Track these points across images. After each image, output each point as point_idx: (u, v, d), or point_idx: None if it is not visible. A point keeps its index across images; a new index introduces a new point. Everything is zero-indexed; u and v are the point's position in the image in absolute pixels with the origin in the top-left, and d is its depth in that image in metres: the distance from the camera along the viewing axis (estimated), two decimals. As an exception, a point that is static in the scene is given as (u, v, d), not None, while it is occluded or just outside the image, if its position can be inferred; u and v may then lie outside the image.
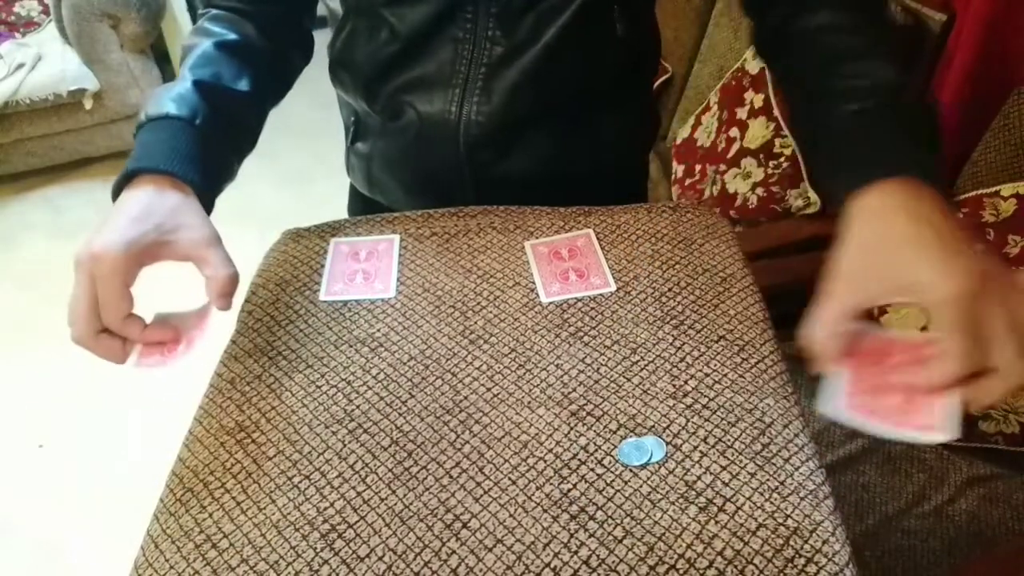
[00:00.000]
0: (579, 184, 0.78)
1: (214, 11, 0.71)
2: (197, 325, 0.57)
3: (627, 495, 0.50)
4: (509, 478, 0.52)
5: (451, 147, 0.75)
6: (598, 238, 0.71)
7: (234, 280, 0.57)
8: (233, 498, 0.52)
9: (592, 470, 0.52)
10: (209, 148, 0.62)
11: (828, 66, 0.58)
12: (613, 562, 0.46)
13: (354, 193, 0.93)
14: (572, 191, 0.76)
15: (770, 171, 1.39)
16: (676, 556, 0.46)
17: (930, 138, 0.54)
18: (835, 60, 0.58)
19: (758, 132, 1.41)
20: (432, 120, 0.74)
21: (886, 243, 0.47)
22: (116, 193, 0.58)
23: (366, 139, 0.82)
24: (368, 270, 0.70)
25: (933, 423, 0.45)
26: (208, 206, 0.61)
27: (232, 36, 0.68)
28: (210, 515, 0.51)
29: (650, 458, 0.52)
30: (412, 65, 0.73)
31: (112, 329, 0.53)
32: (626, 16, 0.71)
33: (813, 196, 1.39)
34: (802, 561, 0.46)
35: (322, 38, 0.76)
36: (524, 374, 0.59)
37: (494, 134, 0.74)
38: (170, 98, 0.61)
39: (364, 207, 0.89)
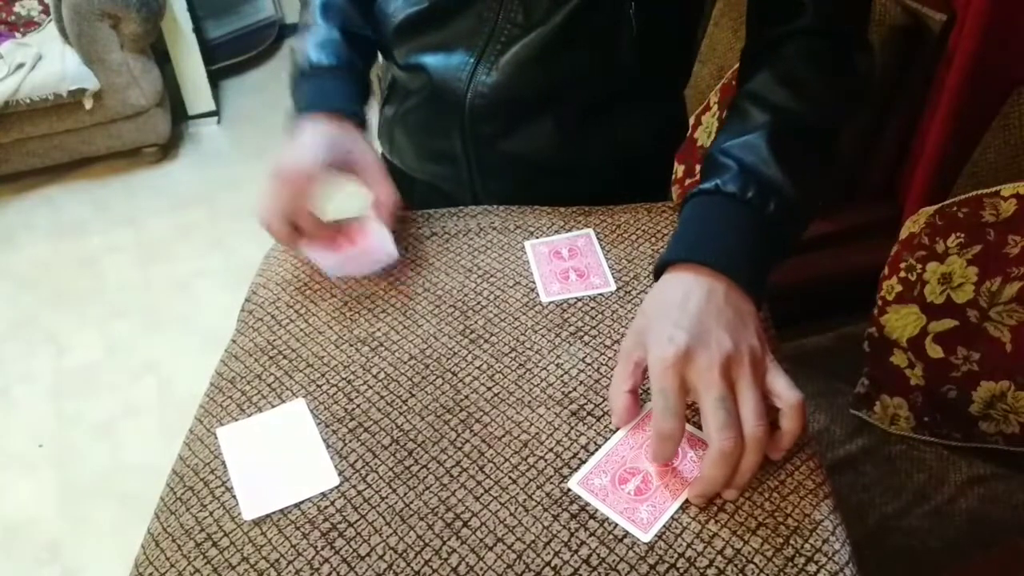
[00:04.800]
0: (589, 179, 0.79)
1: None
2: (363, 233, 0.69)
3: (627, 494, 0.50)
4: (509, 477, 0.52)
5: (456, 115, 0.76)
6: (598, 238, 0.71)
7: (398, 202, 0.70)
8: (234, 496, 0.52)
9: (592, 469, 0.52)
10: (358, 83, 0.75)
11: (725, 130, 0.62)
12: (614, 561, 0.47)
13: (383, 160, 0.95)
14: (582, 185, 0.77)
15: (770, 171, 1.39)
16: (676, 555, 0.47)
17: (763, 239, 0.57)
18: (731, 127, 0.62)
19: (758, 132, 1.40)
20: (444, 85, 0.76)
21: (650, 312, 0.54)
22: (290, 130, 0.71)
23: (392, 102, 0.86)
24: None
25: (647, 521, 0.48)
26: (364, 129, 0.74)
27: None
28: (211, 513, 0.51)
29: (650, 457, 0.52)
30: (435, 29, 0.75)
31: (301, 224, 0.66)
32: (644, 17, 0.71)
33: (813, 196, 1.39)
34: (802, 560, 0.46)
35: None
36: (524, 373, 0.59)
37: (497, 109, 0.75)
38: (319, 49, 0.74)
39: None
